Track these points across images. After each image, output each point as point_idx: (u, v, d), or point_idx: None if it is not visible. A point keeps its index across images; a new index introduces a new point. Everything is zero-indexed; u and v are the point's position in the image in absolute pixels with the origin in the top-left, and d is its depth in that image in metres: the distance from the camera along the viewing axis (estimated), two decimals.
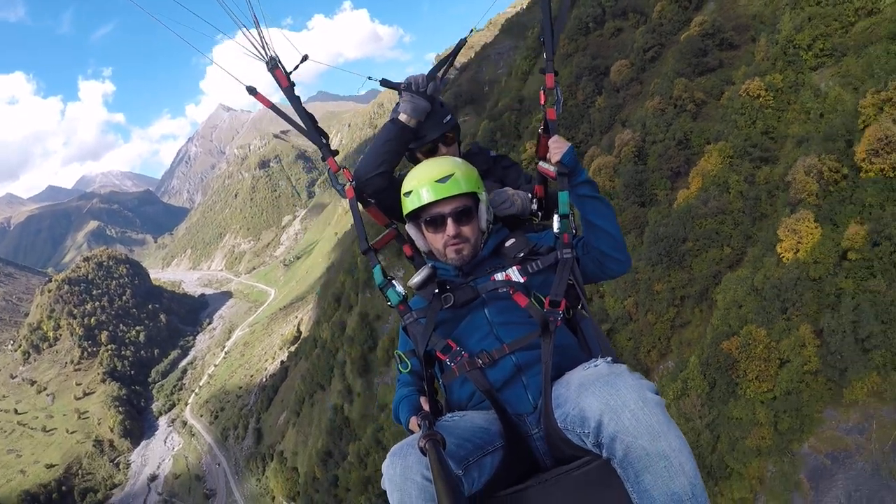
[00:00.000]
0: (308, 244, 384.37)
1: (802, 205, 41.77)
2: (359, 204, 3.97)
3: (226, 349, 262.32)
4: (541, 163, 3.91)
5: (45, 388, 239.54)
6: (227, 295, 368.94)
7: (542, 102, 3.97)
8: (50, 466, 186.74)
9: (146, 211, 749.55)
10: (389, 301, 3.64)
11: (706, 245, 49.83)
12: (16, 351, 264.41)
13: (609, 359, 3.05)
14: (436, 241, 3.64)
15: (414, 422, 3.38)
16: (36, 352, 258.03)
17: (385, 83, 4.16)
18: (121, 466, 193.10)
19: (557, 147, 3.67)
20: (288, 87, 3.90)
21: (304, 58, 3.91)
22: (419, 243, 3.80)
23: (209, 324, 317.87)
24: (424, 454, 2.57)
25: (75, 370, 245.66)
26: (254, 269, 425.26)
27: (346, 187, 3.94)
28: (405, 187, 3.65)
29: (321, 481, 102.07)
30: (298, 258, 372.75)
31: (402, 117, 4.00)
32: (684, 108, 60.76)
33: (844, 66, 49.21)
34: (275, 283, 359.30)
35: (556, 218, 3.63)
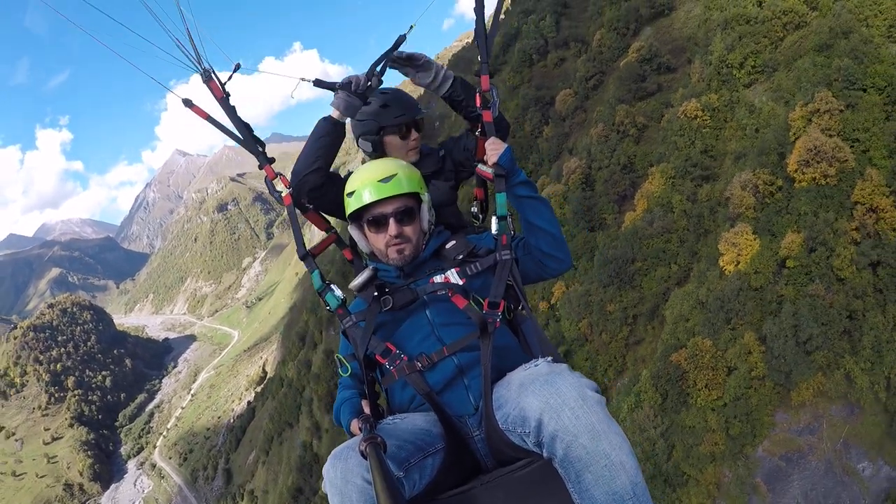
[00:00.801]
0: (269, 285, 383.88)
1: (741, 219, 43.67)
2: (296, 210, 3.93)
3: (192, 392, 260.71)
4: (479, 165, 3.87)
5: (14, 434, 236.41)
6: (191, 338, 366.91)
7: (478, 105, 3.98)
8: None
9: (107, 257, 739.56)
10: (328, 305, 3.65)
11: (654, 264, 51.65)
12: None
13: (549, 358, 3.10)
14: (378, 241, 3.62)
15: (355, 425, 3.36)
16: (3, 398, 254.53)
17: (318, 83, 4.17)
18: None
19: (493, 149, 3.66)
20: (223, 97, 3.87)
21: (237, 67, 3.95)
22: (361, 244, 3.77)
23: (174, 367, 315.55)
24: (365, 457, 2.62)
25: (43, 415, 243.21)
26: (216, 311, 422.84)
27: (284, 194, 3.90)
28: (348, 188, 3.64)
29: None
30: (260, 299, 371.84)
31: (334, 114, 3.99)
32: (627, 133, 62.75)
33: (776, 81, 51.58)
34: (238, 324, 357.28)
35: (493, 219, 3.66)
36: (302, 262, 3.71)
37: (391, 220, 3.50)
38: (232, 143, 4.15)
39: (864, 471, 35.40)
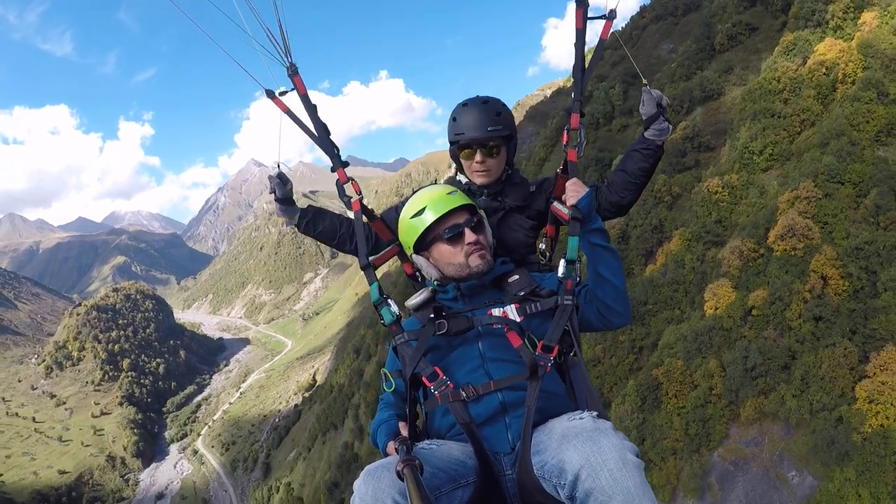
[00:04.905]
0: (328, 301, 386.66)
1: (727, 276, 52.89)
2: (363, 217, 3.97)
3: (241, 390, 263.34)
4: (555, 203, 3.79)
5: (65, 403, 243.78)
6: (245, 341, 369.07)
7: (565, 143, 3.88)
8: (62, 472, 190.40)
9: (171, 253, 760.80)
10: (383, 319, 3.60)
11: (662, 307, 60.62)
12: (39, 365, 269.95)
13: (595, 413, 2.98)
14: (455, 255, 3.56)
15: (391, 447, 3.25)
16: (59, 368, 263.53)
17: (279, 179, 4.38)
18: (130, 483, 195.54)
19: (574, 190, 3.56)
20: (305, 94, 3.88)
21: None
22: (429, 271, 3.68)
23: (226, 366, 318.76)
24: (401, 478, 2.56)
25: (95, 390, 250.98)
26: (273, 319, 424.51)
27: (353, 200, 3.95)
28: (412, 209, 3.63)
29: None
30: (317, 314, 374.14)
31: (288, 222, 4.48)
32: (662, 199, 70.78)
33: (785, 170, 59.23)
34: (293, 335, 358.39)
35: (562, 262, 3.50)
36: (363, 274, 3.87)
37: (467, 230, 3.53)
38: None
39: (793, 479, 41.32)
